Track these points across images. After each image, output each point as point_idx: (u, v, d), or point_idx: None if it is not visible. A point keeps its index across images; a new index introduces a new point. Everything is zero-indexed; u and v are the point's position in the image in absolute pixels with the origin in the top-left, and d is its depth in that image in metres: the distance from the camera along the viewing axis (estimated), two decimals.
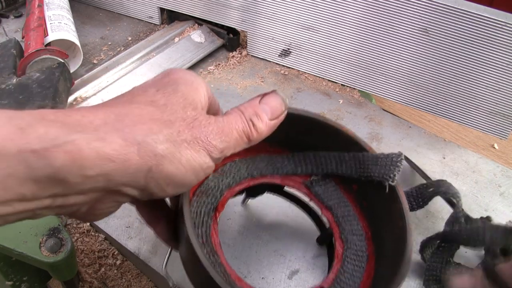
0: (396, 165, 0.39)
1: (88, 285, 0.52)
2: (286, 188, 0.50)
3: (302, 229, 0.55)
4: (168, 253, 0.45)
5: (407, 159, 0.57)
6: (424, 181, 0.55)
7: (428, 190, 0.51)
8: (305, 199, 0.49)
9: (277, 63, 0.81)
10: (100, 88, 0.69)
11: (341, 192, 0.46)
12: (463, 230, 0.47)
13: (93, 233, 0.55)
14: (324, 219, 0.50)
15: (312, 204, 0.50)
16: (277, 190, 0.52)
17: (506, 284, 0.36)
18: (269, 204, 0.57)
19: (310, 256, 0.51)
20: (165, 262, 0.44)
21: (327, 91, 0.75)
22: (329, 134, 0.42)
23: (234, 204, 0.56)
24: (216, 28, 0.83)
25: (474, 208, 0.57)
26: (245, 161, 0.45)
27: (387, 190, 0.39)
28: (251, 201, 0.56)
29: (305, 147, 0.46)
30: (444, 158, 0.64)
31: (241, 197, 0.54)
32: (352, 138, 0.42)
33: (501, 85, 0.61)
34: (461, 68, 0.62)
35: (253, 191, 0.51)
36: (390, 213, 0.40)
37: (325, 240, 0.52)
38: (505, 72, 0.60)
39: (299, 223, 0.55)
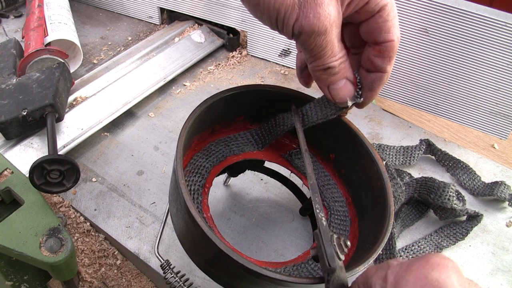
0: (336, 106, 0.41)
1: (88, 285, 0.52)
2: (266, 164, 0.53)
3: (284, 203, 0.57)
4: (159, 236, 0.47)
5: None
6: None
7: None
8: (284, 173, 0.53)
9: (277, 63, 0.81)
10: (100, 88, 0.69)
11: (319, 162, 0.49)
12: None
13: (93, 233, 0.55)
14: (305, 190, 0.54)
15: (292, 177, 0.53)
16: (258, 166, 0.55)
17: None
18: (249, 183, 0.60)
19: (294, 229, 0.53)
20: (156, 244, 0.45)
21: None
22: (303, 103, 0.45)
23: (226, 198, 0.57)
24: (216, 28, 0.83)
25: (474, 208, 0.57)
26: (227, 140, 0.48)
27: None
28: (233, 183, 0.59)
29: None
30: None
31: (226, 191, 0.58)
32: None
33: (501, 85, 0.61)
34: (461, 68, 0.62)
35: (234, 170, 0.53)
36: (368, 176, 0.42)
37: (308, 210, 0.54)
38: (505, 72, 0.60)
39: (281, 197, 0.58)
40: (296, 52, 0.45)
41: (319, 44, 0.34)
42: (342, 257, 0.31)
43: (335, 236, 0.32)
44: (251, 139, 0.48)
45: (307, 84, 0.44)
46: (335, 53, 0.35)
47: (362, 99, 0.39)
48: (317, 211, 0.34)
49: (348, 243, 0.32)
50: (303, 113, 0.43)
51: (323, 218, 0.33)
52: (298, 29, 0.33)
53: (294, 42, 0.40)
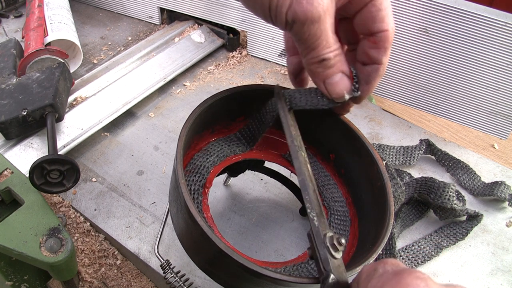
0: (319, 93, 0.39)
1: (88, 285, 0.52)
2: (266, 164, 0.53)
3: (284, 203, 0.57)
4: (159, 236, 0.47)
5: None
6: None
7: None
8: (284, 173, 0.53)
9: (277, 63, 0.81)
10: (100, 88, 0.69)
11: (319, 162, 0.49)
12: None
13: (93, 233, 0.55)
14: None
15: (292, 177, 0.54)
16: (258, 166, 0.55)
17: None
18: (249, 183, 0.60)
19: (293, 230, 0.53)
20: (156, 244, 0.45)
21: None
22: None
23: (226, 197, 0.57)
24: (216, 28, 0.83)
25: (474, 208, 0.57)
26: (227, 139, 0.47)
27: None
28: (233, 183, 0.59)
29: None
30: None
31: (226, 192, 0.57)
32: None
33: (501, 85, 0.61)
34: (461, 68, 0.62)
35: (234, 170, 0.53)
36: (368, 176, 0.42)
37: None
38: (505, 72, 0.60)
39: (281, 197, 0.58)
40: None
41: (313, 33, 0.33)
42: (338, 255, 0.30)
43: (328, 235, 0.31)
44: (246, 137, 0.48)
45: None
46: (330, 44, 0.35)
47: (359, 92, 0.39)
48: (309, 210, 0.33)
49: (343, 241, 0.31)
50: (290, 95, 0.41)
51: (315, 218, 0.32)
52: (291, 17, 0.33)
53: None
